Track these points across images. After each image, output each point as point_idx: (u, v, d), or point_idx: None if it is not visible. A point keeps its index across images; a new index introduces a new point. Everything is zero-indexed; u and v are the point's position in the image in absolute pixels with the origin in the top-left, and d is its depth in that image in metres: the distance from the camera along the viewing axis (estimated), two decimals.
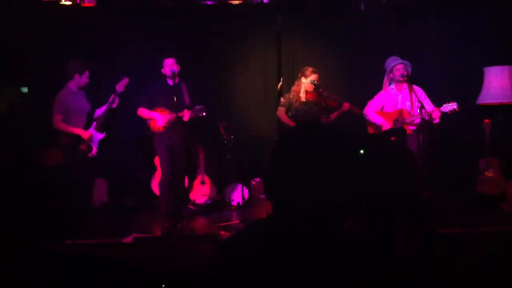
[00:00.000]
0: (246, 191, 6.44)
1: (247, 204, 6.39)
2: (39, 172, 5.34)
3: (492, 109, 5.95)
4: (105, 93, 5.54)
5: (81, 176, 5.31)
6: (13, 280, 1.99)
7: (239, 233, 1.40)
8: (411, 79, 5.52)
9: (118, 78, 5.49)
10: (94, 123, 5.40)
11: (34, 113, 5.98)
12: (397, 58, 5.61)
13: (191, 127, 5.66)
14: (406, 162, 1.66)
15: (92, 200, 5.87)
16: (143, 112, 5.53)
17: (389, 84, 5.75)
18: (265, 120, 6.80)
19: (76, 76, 5.33)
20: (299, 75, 5.73)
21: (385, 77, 5.74)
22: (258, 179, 6.62)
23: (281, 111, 5.72)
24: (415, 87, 5.49)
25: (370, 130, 5.79)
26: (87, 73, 5.38)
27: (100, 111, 5.45)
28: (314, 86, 5.50)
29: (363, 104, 5.82)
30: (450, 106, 5.16)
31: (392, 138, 5.47)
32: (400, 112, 5.58)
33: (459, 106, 5.18)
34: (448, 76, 6.47)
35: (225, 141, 6.51)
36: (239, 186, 6.35)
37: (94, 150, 5.35)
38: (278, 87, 6.02)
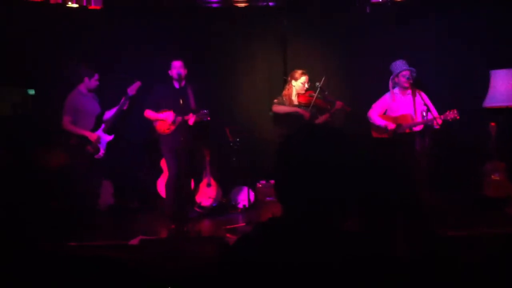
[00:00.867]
0: (252, 193, 6.44)
1: (253, 206, 6.39)
2: (41, 172, 5.37)
3: (498, 112, 5.93)
4: (113, 95, 5.59)
5: (86, 177, 5.35)
6: (13, 280, 2.00)
7: (243, 235, 1.42)
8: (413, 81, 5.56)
9: (131, 80, 5.54)
10: (103, 125, 5.45)
11: (36, 114, 6.03)
12: (405, 63, 5.62)
13: (197, 130, 5.68)
14: (407, 163, 1.67)
15: (98, 202, 5.90)
16: (149, 114, 5.55)
17: (393, 88, 5.75)
18: (270, 122, 6.81)
19: (86, 79, 5.41)
20: (289, 78, 5.75)
21: (390, 80, 5.75)
22: (263, 182, 6.63)
23: (275, 106, 5.71)
24: (419, 92, 5.51)
25: (374, 133, 5.79)
26: (96, 76, 5.45)
27: (110, 113, 5.50)
28: (311, 90, 5.55)
29: (364, 104, 5.83)
30: (451, 114, 5.16)
31: (398, 142, 5.49)
32: (403, 117, 5.59)
33: (460, 108, 5.19)
34: (448, 77, 6.46)
35: (231, 144, 6.53)
36: (245, 189, 6.36)
37: (101, 152, 5.39)
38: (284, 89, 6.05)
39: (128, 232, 4.87)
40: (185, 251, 3.35)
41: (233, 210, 6.38)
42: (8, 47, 5.86)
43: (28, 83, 6.10)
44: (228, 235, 5.00)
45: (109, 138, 5.46)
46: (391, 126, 5.56)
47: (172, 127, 5.47)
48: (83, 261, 2.09)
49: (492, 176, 5.65)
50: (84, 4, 6.19)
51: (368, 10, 6.61)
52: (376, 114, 5.74)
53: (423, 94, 5.55)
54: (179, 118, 5.41)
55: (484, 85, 5.97)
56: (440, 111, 5.38)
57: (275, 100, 5.77)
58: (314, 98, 5.49)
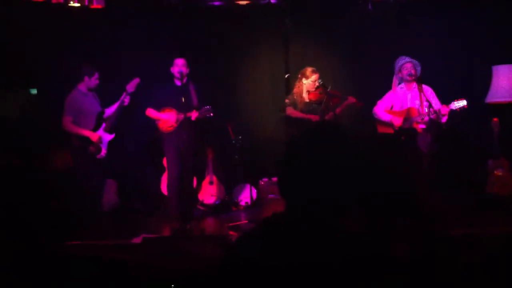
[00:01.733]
0: (254, 191, 6.45)
1: (255, 204, 6.40)
2: (41, 173, 5.37)
3: (501, 108, 5.91)
4: (113, 93, 5.59)
5: (89, 177, 5.34)
6: (14, 280, 2.01)
7: (244, 233, 1.42)
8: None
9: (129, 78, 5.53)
10: (104, 124, 5.43)
11: (37, 114, 6.04)
12: (406, 57, 5.60)
13: (199, 128, 5.67)
14: (409, 163, 1.67)
15: (101, 201, 5.90)
16: (151, 112, 5.53)
17: (399, 84, 5.73)
18: (272, 120, 6.81)
19: (86, 78, 5.37)
20: (299, 76, 5.73)
21: (394, 77, 5.73)
22: (266, 179, 6.64)
23: (290, 109, 5.73)
24: (424, 86, 5.45)
25: (380, 129, 5.76)
26: (96, 75, 5.40)
27: (110, 110, 5.49)
28: (321, 87, 5.51)
29: (366, 103, 5.82)
30: (459, 103, 5.12)
31: (403, 138, 5.45)
32: (409, 111, 5.55)
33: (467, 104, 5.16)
34: (449, 76, 6.43)
35: (233, 141, 6.53)
36: (247, 186, 6.37)
37: (103, 151, 5.38)
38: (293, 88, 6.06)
39: (131, 231, 4.86)
40: (188, 249, 3.36)
41: (235, 208, 6.39)
42: (9, 47, 5.86)
43: (29, 83, 6.11)
44: (231, 232, 5.01)
45: (110, 137, 5.44)
46: (397, 121, 5.52)
47: (175, 125, 5.46)
48: (83, 261, 2.09)
49: (495, 172, 5.63)
50: (86, 3, 6.18)
51: (370, 7, 6.59)
52: (381, 109, 5.70)
53: (429, 88, 5.52)
54: (181, 116, 5.40)
55: (486, 82, 5.96)
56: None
57: (286, 101, 5.77)
58: (325, 95, 5.48)
